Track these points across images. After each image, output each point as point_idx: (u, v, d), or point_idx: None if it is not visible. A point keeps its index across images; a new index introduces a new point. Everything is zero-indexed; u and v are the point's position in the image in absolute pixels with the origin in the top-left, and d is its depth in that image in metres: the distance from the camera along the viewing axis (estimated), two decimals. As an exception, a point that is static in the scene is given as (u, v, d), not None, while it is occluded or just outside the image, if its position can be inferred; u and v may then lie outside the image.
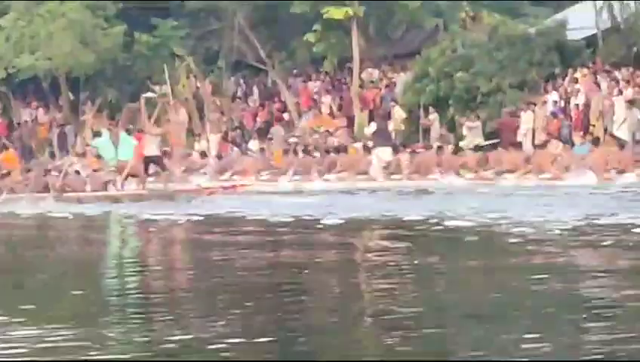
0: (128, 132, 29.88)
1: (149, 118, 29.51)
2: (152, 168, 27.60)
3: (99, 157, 29.07)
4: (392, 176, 30.04)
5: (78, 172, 29.74)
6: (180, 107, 35.24)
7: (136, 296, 9.76)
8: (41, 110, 39.25)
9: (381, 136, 31.52)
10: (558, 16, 33.37)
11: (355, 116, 33.69)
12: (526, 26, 33.00)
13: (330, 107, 34.65)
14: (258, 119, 35.62)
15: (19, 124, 39.15)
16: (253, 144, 33.70)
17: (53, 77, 37.72)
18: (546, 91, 30.31)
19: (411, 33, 36.89)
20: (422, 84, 31.68)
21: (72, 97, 38.33)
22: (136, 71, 37.58)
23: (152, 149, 26.95)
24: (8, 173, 30.82)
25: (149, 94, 35.39)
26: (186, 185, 28.33)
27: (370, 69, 35.01)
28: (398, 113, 31.84)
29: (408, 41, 36.55)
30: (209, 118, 35.60)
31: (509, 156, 29.82)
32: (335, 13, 33.05)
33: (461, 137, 30.80)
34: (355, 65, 34.18)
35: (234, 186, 27.52)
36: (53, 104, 39.22)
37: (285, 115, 35.32)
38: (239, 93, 37.97)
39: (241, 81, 38.50)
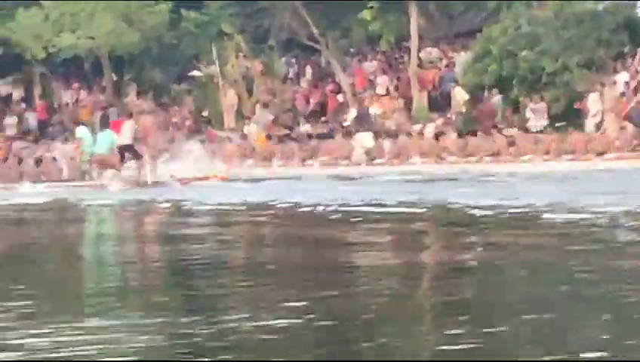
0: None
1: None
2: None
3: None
4: (375, 162, 30.76)
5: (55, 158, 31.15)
6: (228, 88, 34.94)
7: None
8: (82, 92, 38.67)
9: (362, 121, 32.00)
10: None
11: (414, 97, 32.92)
12: (594, 2, 31.81)
13: (387, 88, 33.87)
14: (311, 101, 34.99)
15: (59, 106, 38.73)
16: (306, 128, 33.49)
17: (96, 57, 37.05)
18: (615, 71, 29.55)
19: (472, 10, 35.83)
20: (483, 63, 31.01)
21: (115, 78, 37.95)
22: (183, 50, 36.79)
23: (126, 139, 27.96)
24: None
25: (196, 72, 36.11)
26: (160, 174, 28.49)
27: (428, 48, 34.31)
28: (460, 94, 31.59)
29: (469, 19, 35.85)
30: (259, 100, 35.22)
31: (489, 142, 29.91)
32: None
33: (525, 119, 30.28)
34: (413, 43, 33.20)
35: (207, 177, 27.37)
36: (95, 85, 38.65)
37: (339, 97, 34.57)
38: (291, 74, 37.44)
39: (293, 61, 37.90)
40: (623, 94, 28.95)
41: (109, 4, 34.79)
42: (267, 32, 37.22)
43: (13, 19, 35.77)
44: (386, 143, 30.84)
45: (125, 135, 28.63)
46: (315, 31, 34.91)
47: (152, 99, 37.09)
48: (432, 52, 34.51)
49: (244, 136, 33.41)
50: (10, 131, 37.24)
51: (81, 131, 30.26)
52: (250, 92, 35.61)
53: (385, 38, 34.88)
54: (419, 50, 33.62)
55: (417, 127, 31.41)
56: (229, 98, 34.96)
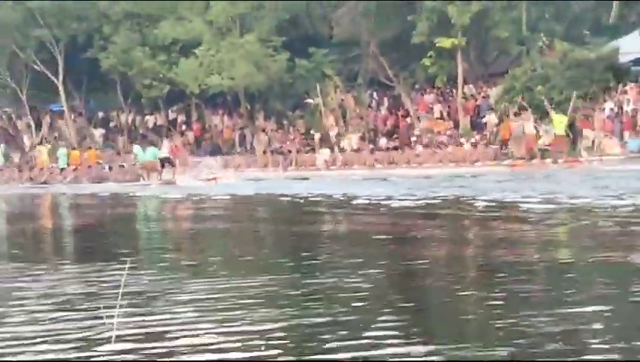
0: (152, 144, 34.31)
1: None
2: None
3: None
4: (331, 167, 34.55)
5: (122, 166, 35.74)
6: (329, 114, 37.95)
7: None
8: (226, 117, 42.02)
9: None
10: (612, 43, 34.55)
11: (460, 120, 35.63)
12: (588, 51, 33.70)
13: (441, 113, 36.56)
14: (387, 123, 37.55)
15: (209, 127, 42.39)
16: (383, 142, 36.01)
17: (235, 92, 40.11)
18: (604, 101, 31.66)
19: (501, 57, 38.12)
20: (510, 95, 33.35)
21: (248, 107, 40.94)
22: (297, 87, 39.65)
23: (165, 153, 32.33)
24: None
25: (309, 100, 38.72)
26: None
27: (470, 85, 36.64)
28: (492, 119, 33.84)
29: (499, 63, 37.63)
30: (350, 122, 37.93)
31: (403, 154, 33.97)
32: (445, 42, 34.74)
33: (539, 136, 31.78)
34: (459, 82, 35.75)
35: (215, 178, 30.38)
36: (235, 112, 41.91)
37: (408, 120, 37.05)
38: (373, 103, 39.54)
39: (374, 94, 39.85)
40: (608, 117, 31.07)
41: (245, 54, 37.17)
42: (356, 74, 39.95)
43: (177, 65, 39.29)
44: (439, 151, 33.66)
45: (164, 150, 32.57)
46: (390, 72, 37.52)
47: (274, 122, 40.06)
48: (472, 88, 36.66)
49: (341, 150, 35.83)
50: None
51: (136, 148, 33.92)
52: (344, 117, 38.30)
53: (439, 77, 36.83)
54: (463, 87, 36.01)
55: (462, 140, 33.87)
56: (329, 121, 37.79)
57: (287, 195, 19.84)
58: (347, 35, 38.35)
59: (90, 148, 40.29)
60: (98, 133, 44.48)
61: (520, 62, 34.96)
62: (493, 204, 14.27)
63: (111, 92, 44.77)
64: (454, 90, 36.62)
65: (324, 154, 36.29)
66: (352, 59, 40.19)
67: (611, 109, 31.24)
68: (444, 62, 36.24)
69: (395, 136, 36.42)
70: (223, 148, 39.88)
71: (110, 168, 36.32)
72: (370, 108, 39.28)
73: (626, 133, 30.90)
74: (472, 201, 14.88)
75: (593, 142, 31.13)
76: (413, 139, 35.62)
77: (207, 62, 38.14)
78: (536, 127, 32.10)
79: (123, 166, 35.98)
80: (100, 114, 46.49)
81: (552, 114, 31.00)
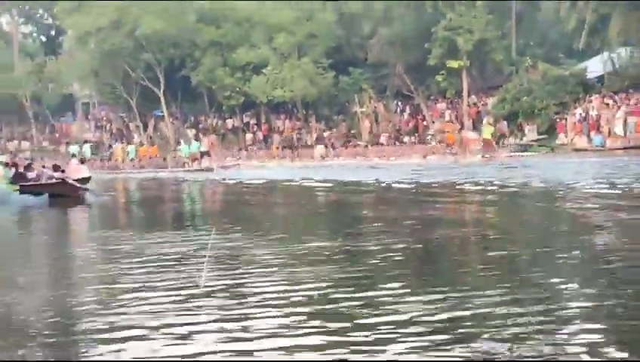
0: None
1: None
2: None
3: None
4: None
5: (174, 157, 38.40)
6: (364, 118, 40.39)
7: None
8: (287, 120, 44.25)
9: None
10: (581, 64, 36.53)
11: (464, 123, 37.44)
12: (563, 70, 35.81)
13: (450, 117, 38.27)
14: (409, 125, 39.89)
15: (274, 128, 44.47)
16: (406, 139, 38.29)
17: (293, 101, 42.46)
18: (574, 108, 33.53)
19: (497, 75, 39.08)
20: (502, 104, 35.63)
21: (304, 113, 43.35)
22: (340, 97, 42.08)
23: (204, 147, 36.27)
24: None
25: (357, 109, 39.95)
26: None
27: (472, 96, 38.38)
28: (489, 121, 35.25)
29: (495, 79, 38.77)
30: (381, 124, 40.23)
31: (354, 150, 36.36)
32: (453, 64, 36.70)
33: (524, 135, 34.52)
34: (465, 94, 37.87)
35: (236, 165, 33.24)
36: (293, 117, 44.11)
37: (425, 123, 39.19)
38: (398, 110, 41.43)
39: (399, 103, 41.52)
40: (578, 121, 32.97)
41: (302, 73, 39.75)
42: (385, 87, 41.63)
43: (250, 81, 41.81)
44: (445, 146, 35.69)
45: (204, 146, 36.23)
46: (411, 86, 39.43)
47: (323, 125, 42.10)
48: (474, 98, 38.44)
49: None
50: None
51: (182, 144, 37.92)
52: (377, 120, 40.41)
53: (449, 90, 38.72)
54: (467, 97, 38.02)
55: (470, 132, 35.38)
56: (365, 124, 40.14)
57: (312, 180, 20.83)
58: (378, 58, 39.42)
59: (153, 144, 43.53)
60: (190, 132, 45.52)
61: (511, 79, 36.48)
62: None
63: (199, 101, 46.37)
64: (461, 100, 38.14)
65: (319, 149, 38.89)
66: (382, 77, 41.13)
67: (580, 114, 33.08)
68: (452, 79, 37.81)
69: (415, 134, 38.80)
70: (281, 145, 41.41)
71: (164, 159, 39.62)
72: (395, 114, 40.80)
73: (592, 133, 32.61)
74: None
75: (569, 139, 32.83)
76: (428, 137, 37.90)
77: (273, 78, 40.48)
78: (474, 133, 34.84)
79: (174, 157, 39.49)
80: (191, 118, 48.10)
81: (484, 124, 33.97)
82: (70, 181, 18.99)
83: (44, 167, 21.85)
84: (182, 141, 39.05)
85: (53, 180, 19.39)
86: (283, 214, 12.83)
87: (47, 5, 54.02)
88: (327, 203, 15.33)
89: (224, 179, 24.52)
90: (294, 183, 20.40)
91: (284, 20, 40.31)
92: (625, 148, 29.81)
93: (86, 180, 19.96)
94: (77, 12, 44.01)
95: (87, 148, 41.58)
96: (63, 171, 20.46)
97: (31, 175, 19.98)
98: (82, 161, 23.07)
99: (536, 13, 41.53)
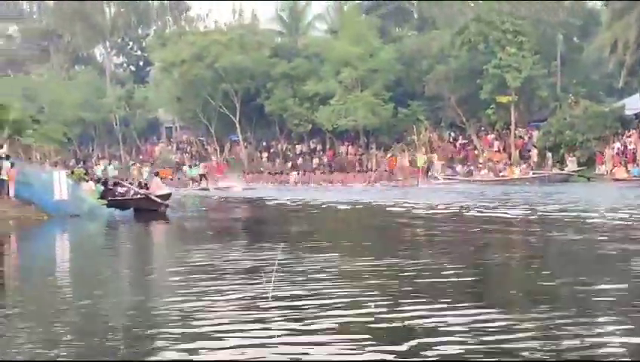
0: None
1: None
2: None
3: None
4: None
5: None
6: (421, 146, 41.23)
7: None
8: (350, 146, 45.92)
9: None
10: (620, 102, 38.12)
11: (512, 153, 39.17)
12: (603, 107, 37.35)
13: (499, 148, 39.93)
14: (461, 153, 41.48)
15: (338, 153, 46.18)
16: (459, 167, 39.57)
17: (356, 130, 44.04)
18: (613, 142, 35.25)
19: (542, 109, 40.51)
20: (547, 137, 37.11)
21: (365, 140, 44.85)
22: (399, 127, 43.31)
23: (201, 170, 40.06)
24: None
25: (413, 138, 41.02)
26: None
27: (520, 128, 39.96)
28: (534, 153, 37.89)
29: (540, 114, 40.36)
30: (436, 152, 41.39)
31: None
32: (502, 99, 38.39)
33: (565, 166, 35.74)
34: (512, 126, 39.46)
35: (232, 186, 34.92)
36: (356, 143, 45.51)
37: (475, 152, 40.59)
38: (451, 139, 43.03)
39: (452, 133, 43.12)
40: (617, 153, 34.61)
41: (364, 104, 40.58)
42: (440, 119, 43.26)
43: (317, 111, 42.86)
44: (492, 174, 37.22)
45: (201, 169, 39.16)
46: (464, 118, 41.13)
47: (382, 151, 43.09)
48: (521, 130, 40.09)
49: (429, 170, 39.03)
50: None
51: (186, 167, 40.78)
52: (432, 148, 41.57)
53: (498, 123, 40.32)
54: (515, 130, 39.59)
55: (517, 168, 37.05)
56: (421, 151, 41.01)
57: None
58: (434, 92, 41.05)
59: (164, 168, 44.36)
60: (263, 156, 47.78)
61: (555, 113, 38.00)
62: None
63: (271, 128, 48.49)
64: (508, 132, 39.78)
65: (292, 175, 41.75)
66: (438, 109, 42.74)
67: (618, 148, 34.94)
68: (501, 113, 39.49)
69: (467, 163, 40.40)
70: (347, 168, 43.51)
71: (171, 179, 41.36)
72: (449, 143, 42.43)
73: (630, 165, 34.38)
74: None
75: (607, 170, 34.35)
76: (479, 165, 39.43)
77: (338, 108, 42.36)
78: (410, 161, 38.48)
79: (179, 178, 42.03)
80: (264, 143, 49.93)
81: (418, 155, 37.84)
82: (153, 197, 20.81)
83: (130, 183, 23.85)
84: (186, 166, 42.94)
85: (138, 196, 21.21)
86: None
87: (137, 39, 57.95)
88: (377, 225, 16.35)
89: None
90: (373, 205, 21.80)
91: (349, 56, 41.54)
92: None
93: (167, 196, 21.46)
94: (163, 46, 47.62)
95: (110, 167, 44.17)
96: (147, 188, 22.23)
97: (120, 190, 21.98)
98: (99, 180, 24.44)
99: (580, 54, 42.78)
